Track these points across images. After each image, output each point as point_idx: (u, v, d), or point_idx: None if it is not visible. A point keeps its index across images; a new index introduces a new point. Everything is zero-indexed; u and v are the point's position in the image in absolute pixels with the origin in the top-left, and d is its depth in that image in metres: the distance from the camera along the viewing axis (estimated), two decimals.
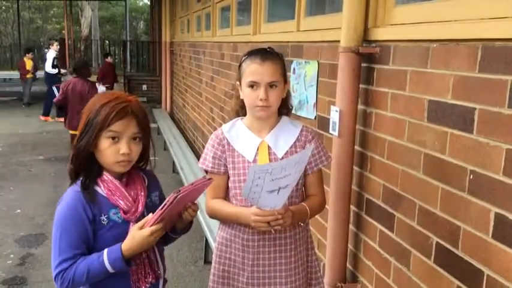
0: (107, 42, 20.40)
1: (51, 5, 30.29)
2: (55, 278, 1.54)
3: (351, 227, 2.43)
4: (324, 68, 2.78)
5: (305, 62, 3.04)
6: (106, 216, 1.57)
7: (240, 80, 1.89)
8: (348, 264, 2.44)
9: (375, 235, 2.24)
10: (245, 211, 1.78)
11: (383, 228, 2.16)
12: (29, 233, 4.79)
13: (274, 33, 3.82)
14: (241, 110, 1.97)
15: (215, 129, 5.73)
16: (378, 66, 2.21)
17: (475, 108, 1.59)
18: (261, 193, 1.64)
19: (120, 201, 1.59)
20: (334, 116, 2.31)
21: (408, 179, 1.97)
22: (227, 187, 1.91)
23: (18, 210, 5.41)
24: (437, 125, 1.79)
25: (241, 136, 1.91)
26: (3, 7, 30.01)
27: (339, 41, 2.51)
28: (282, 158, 1.85)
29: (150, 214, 1.56)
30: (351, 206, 2.40)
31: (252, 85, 1.81)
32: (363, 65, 2.29)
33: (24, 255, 4.30)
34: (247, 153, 1.87)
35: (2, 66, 21.03)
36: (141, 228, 1.53)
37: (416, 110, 1.92)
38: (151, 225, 1.52)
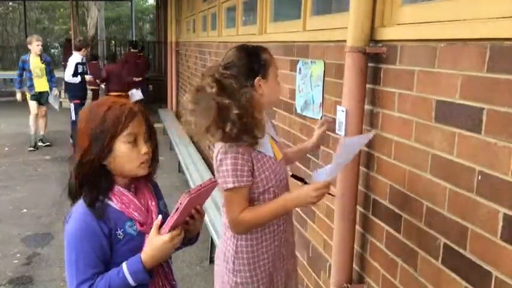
0: (113, 42, 20.44)
1: (57, 6, 30.41)
2: None
3: (358, 227, 2.42)
4: (331, 68, 2.76)
5: (311, 62, 3.03)
6: (122, 230, 1.51)
7: (264, 74, 1.90)
8: (354, 265, 2.43)
9: (381, 236, 2.23)
10: (296, 193, 1.88)
11: (390, 229, 2.15)
12: (36, 233, 4.81)
13: (280, 32, 3.81)
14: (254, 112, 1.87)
15: None
16: (385, 66, 2.20)
17: (483, 109, 1.58)
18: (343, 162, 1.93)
19: (135, 213, 1.53)
20: (340, 116, 2.30)
21: (415, 179, 1.96)
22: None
23: (25, 210, 5.44)
24: (445, 125, 1.77)
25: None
26: (10, 8, 30.17)
27: (345, 41, 2.50)
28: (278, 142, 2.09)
29: (159, 217, 1.50)
30: (358, 207, 2.39)
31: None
32: (370, 64, 2.27)
33: (30, 255, 4.33)
34: (269, 151, 1.98)
35: (9, 66, 21.13)
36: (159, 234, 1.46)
37: (423, 110, 1.90)
38: (169, 231, 1.45)
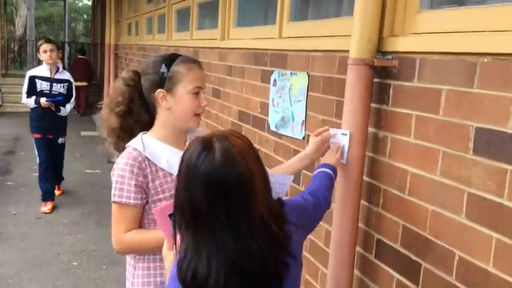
0: None
1: None
2: None
3: (356, 272, 2.04)
4: (317, 82, 2.39)
5: (290, 74, 2.64)
6: None
7: (169, 87, 1.67)
8: None
9: (389, 284, 1.86)
10: None
11: (402, 278, 1.79)
12: None
13: (247, 39, 3.40)
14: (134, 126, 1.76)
15: None
16: (396, 82, 1.85)
17: None
18: None
19: None
20: (341, 139, 1.92)
21: (442, 222, 1.61)
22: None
23: None
24: (490, 159, 1.43)
25: (159, 153, 1.70)
26: None
27: (336, 51, 2.17)
28: None
29: None
30: (357, 248, 2.01)
31: (197, 91, 1.70)
32: (375, 80, 1.92)
33: None
34: (175, 170, 1.54)
35: None
36: None
37: (456, 138, 1.56)
38: None
